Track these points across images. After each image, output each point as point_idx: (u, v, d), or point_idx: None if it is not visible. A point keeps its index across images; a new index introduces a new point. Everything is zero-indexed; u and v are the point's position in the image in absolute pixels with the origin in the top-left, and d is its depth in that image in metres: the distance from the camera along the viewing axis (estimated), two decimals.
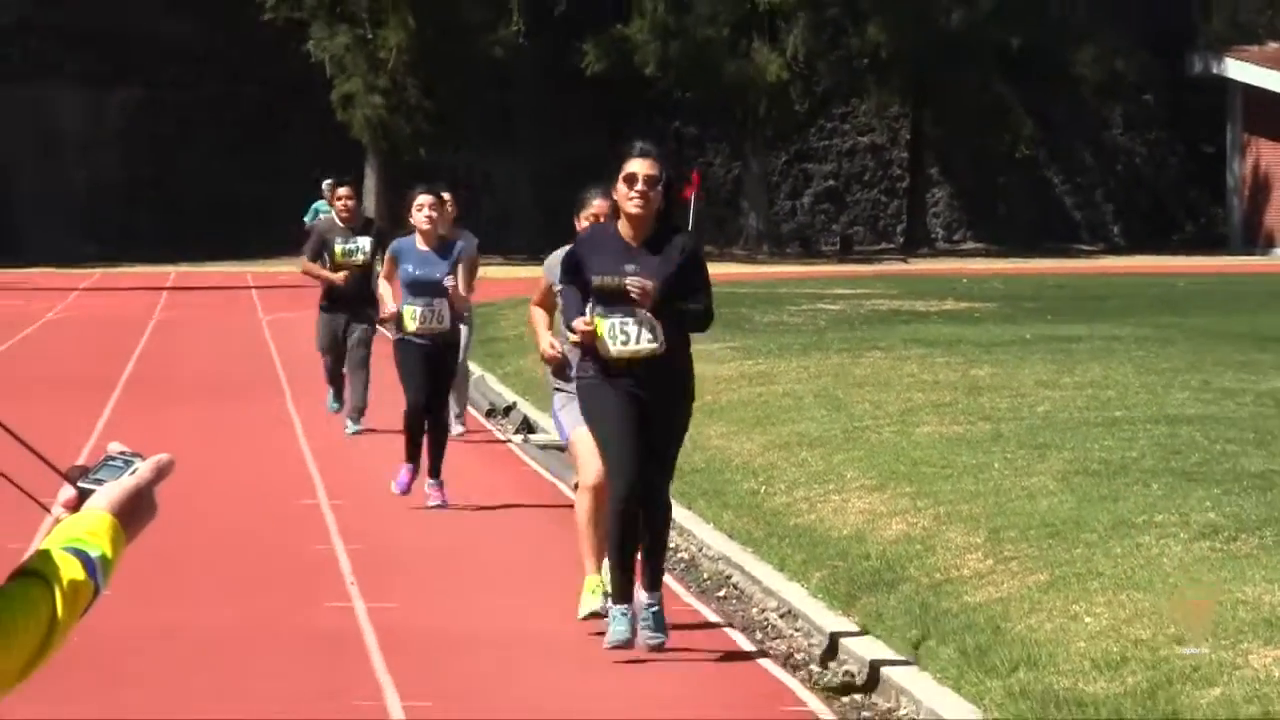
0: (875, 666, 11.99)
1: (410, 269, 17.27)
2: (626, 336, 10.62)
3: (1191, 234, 61.19)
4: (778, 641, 13.17)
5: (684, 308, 11.30)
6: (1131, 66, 59.57)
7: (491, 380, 27.77)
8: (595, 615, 12.26)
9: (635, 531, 11.46)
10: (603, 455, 11.48)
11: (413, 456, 17.78)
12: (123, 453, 3.43)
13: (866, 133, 61.05)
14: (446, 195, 18.16)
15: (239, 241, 52.56)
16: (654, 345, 10.69)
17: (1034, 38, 58.77)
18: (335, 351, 22.18)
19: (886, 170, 60.96)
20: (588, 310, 11.59)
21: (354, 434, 22.25)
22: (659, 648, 11.80)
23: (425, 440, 17.72)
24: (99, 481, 3.37)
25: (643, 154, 10.87)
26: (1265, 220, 56.57)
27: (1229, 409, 20.25)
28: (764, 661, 12.73)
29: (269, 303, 40.90)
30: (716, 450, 19.28)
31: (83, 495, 3.33)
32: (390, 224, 25.33)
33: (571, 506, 15.64)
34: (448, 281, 17.45)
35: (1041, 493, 14.90)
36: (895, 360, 25.06)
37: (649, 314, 10.97)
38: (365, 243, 21.04)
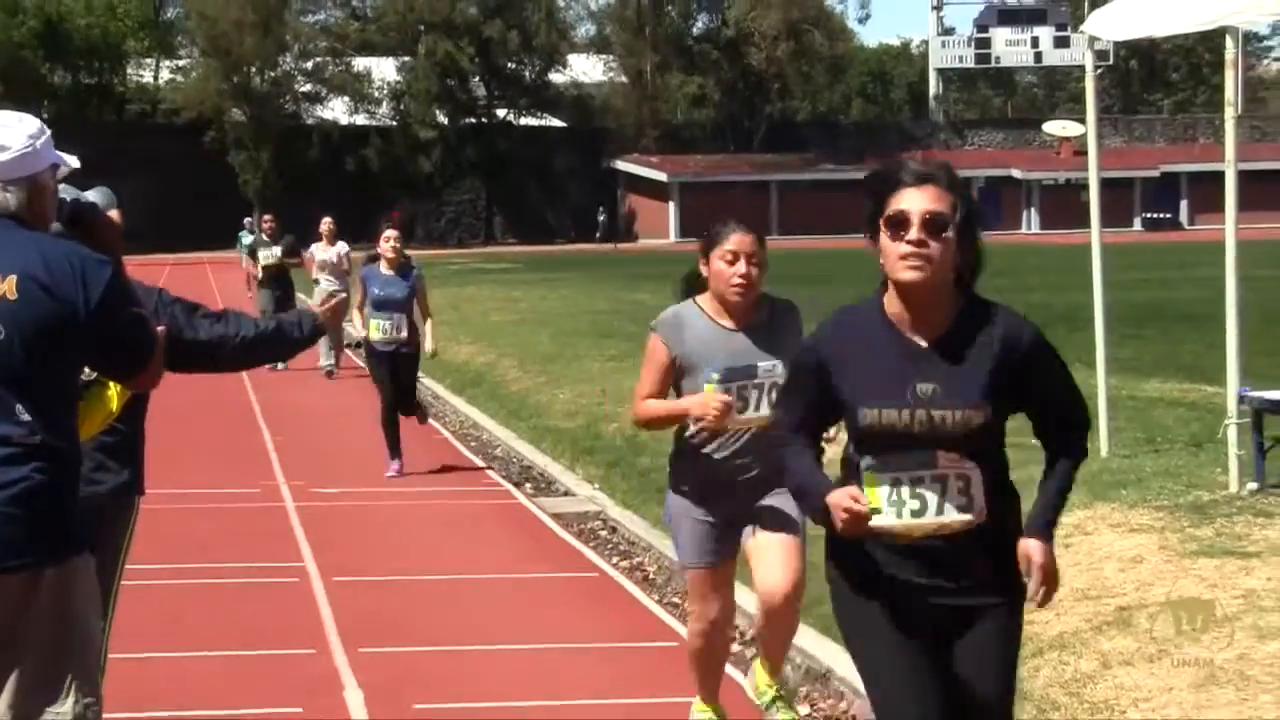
0: (475, 422, 17.65)
1: (376, 290, 13.90)
2: (920, 503, 4.06)
3: (602, 235, 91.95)
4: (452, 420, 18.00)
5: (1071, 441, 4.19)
6: (579, 166, 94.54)
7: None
8: None
9: None
10: (873, 703, 4.21)
11: (394, 454, 13.92)
12: None
13: (465, 198, 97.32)
14: (393, 232, 14.17)
15: (206, 243, 79.21)
16: (966, 515, 4.02)
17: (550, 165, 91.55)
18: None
19: (478, 215, 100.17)
20: (831, 430, 4.54)
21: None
22: None
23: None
24: None
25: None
26: (634, 229, 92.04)
27: (614, 307, 29.95)
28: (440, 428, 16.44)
29: (215, 269, 58.17)
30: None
31: None
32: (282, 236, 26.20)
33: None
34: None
35: (542, 343, 22.49)
36: (488, 288, 35.94)
37: (962, 462, 4.02)
38: (277, 250, 25.26)
